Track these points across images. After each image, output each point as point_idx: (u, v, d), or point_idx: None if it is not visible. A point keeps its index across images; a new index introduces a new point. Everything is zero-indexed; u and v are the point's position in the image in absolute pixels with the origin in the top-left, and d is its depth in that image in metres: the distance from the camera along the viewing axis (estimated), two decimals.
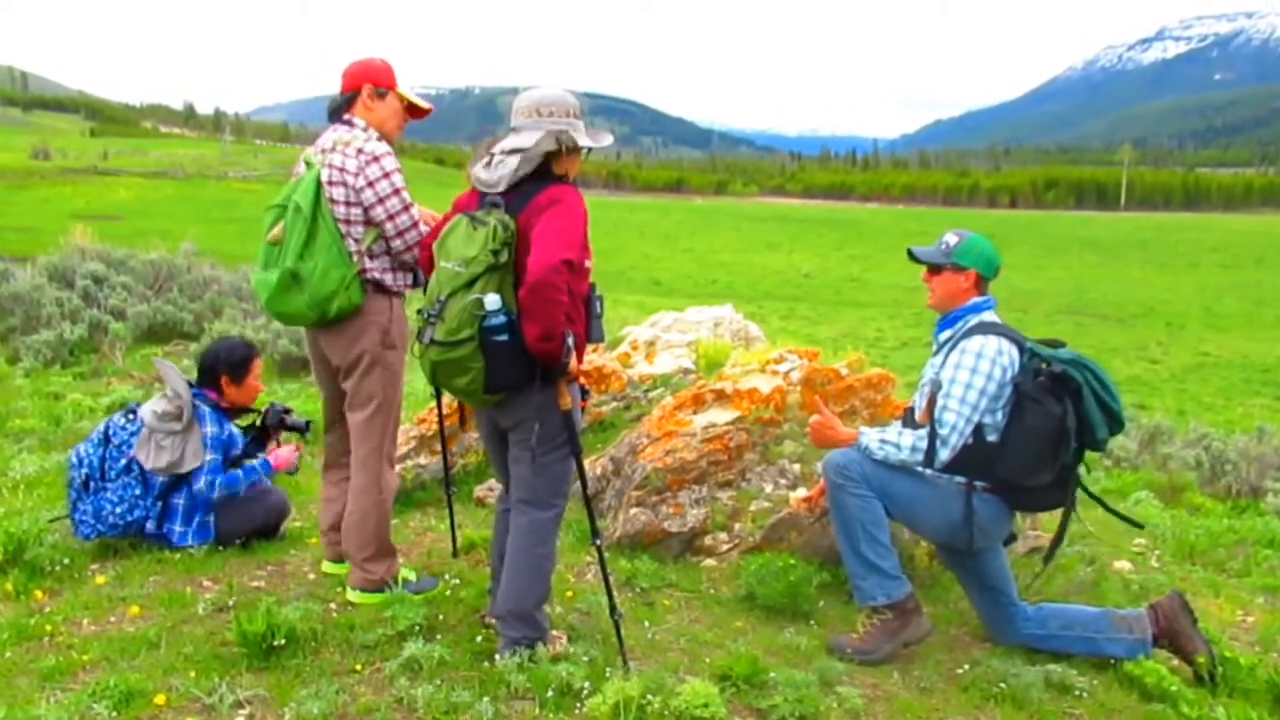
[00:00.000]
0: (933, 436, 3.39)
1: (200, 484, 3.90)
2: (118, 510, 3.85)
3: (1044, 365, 3.42)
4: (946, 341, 3.57)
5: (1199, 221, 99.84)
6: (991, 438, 3.42)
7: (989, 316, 3.55)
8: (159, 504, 3.92)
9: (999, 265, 3.63)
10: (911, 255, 3.71)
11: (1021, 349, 3.46)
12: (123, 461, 3.90)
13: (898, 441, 3.45)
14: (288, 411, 4.35)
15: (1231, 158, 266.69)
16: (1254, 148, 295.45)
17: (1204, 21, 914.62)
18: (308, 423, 4.36)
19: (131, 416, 4.02)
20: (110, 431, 3.98)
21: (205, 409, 3.99)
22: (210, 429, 3.95)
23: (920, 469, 3.49)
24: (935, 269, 3.60)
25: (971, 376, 3.37)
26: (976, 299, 3.58)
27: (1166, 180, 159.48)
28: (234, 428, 4.10)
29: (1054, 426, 3.33)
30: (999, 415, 3.42)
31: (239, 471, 4.03)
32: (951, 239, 3.62)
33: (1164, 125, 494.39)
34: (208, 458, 3.91)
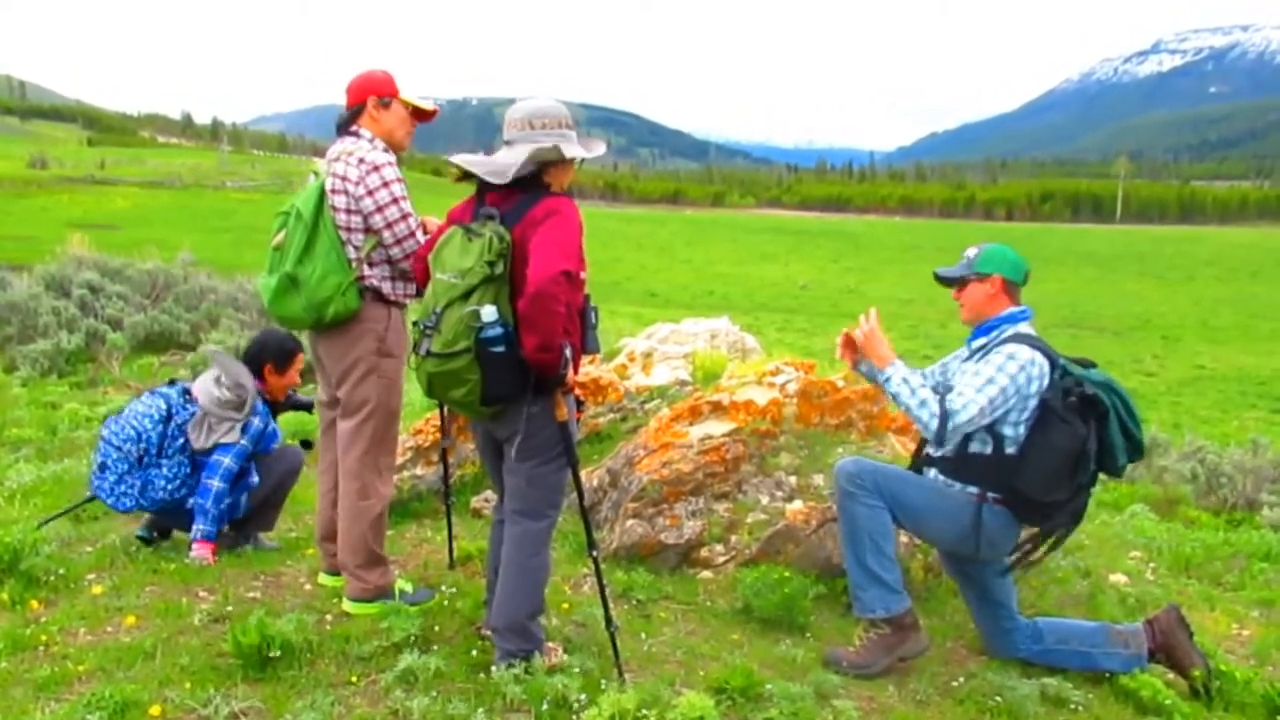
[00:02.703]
0: (943, 410, 3.30)
1: (222, 458, 3.95)
2: (167, 486, 3.93)
3: (1075, 385, 3.40)
4: (980, 349, 3.55)
5: (1194, 234, 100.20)
6: (1010, 450, 3.41)
7: (1025, 328, 3.52)
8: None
9: (1026, 269, 3.60)
10: (938, 278, 3.69)
11: (1054, 365, 3.44)
12: (180, 440, 3.99)
13: (916, 389, 3.35)
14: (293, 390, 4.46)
15: (1227, 171, 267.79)
16: (1249, 161, 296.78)
17: (1199, 35, 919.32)
18: (312, 401, 4.47)
19: (189, 396, 4.07)
20: (172, 410, 4.04)
21: (259, 403, 4.08)
22: (258, 421, 4.05)
23: (929, 474, 3.50)
24: (961, 284, 3.60)
25: (996, 373, 3.34)
26: (1012, 309, 3.55)
27: (1162, 193, 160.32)
28: (274, 422, 4.20)
29: (1077, 447, 3.32)
30: (1020, 429, 3.40)
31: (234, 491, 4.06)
32: (971, 252, 3.63)
33: (1160, 138, 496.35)
34: (241, 441, 3.99)
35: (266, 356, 4.16)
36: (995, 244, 3.63)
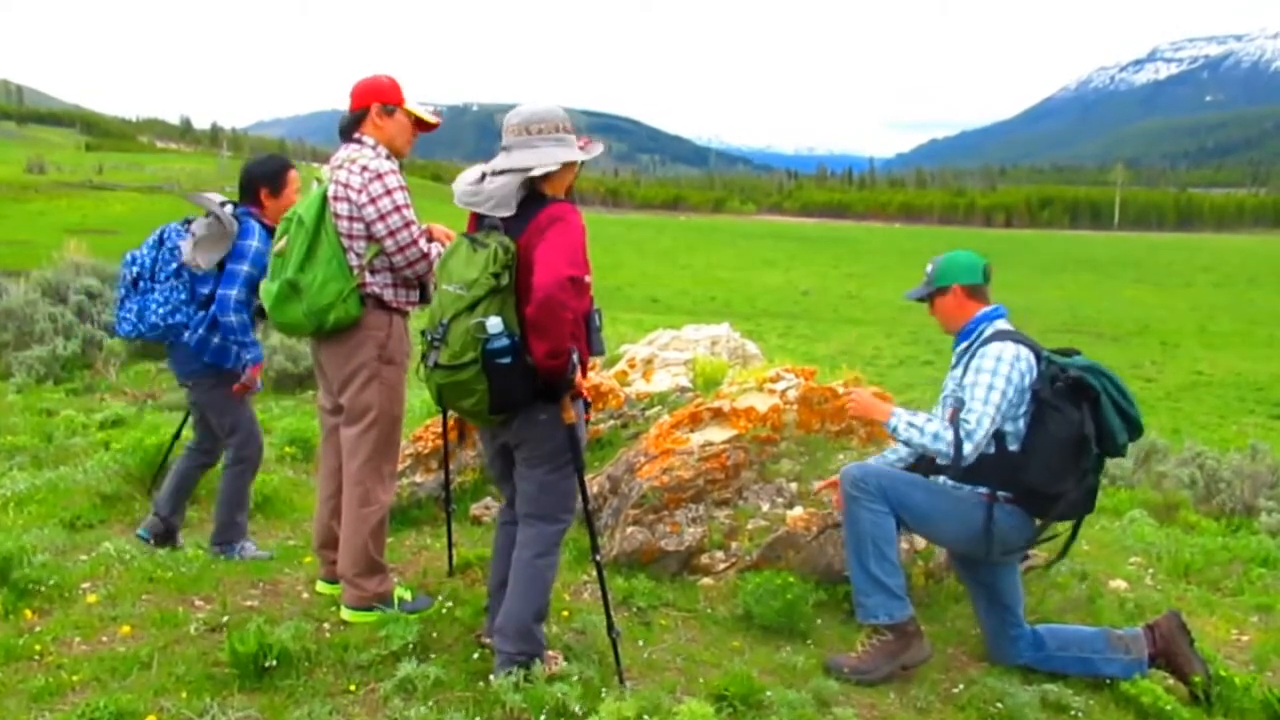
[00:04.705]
0: (957, 435, 3.35)
1: (228, 290, 3.94)
2: (160, 311, 4.00)
3: (1060, 372, 3.43)
4: (964, 353, 3.58)
5: (1192, 241, 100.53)
6: (1013, 447, 3.43)
7: (1002, 324, 3.57)
8: (201, 313, 4.03)
9: (981, 265, 3.63)
10: (909, 300, 3.78)
11: (1038, 356, 3.48)
12: (173, 265, 4.05)
13: (923, 426, 3.40)
14: None
15: (1223, 178, 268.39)
16: (1245, 168, 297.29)
17: (1194, 44, 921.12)
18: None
19: (187, 225, 4.10)
20: (165, 235, 4.10)
21: (253, 223, 4.06)
22: (254, 243, 4.00)
23: (937, 479, 3.51)
24: (930, 301, 3.67)
25: (992, 378, 3.37)
26: (985, 309, 3.60)
27: (1159, 200, 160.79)
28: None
29: (1074, 433, 3.35)
30: (1020, 424, 3.43)
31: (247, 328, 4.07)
32: (928, 269, 3.70)
33: (1156, 145, 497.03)
34: (244, 269, 3.97)
35: (259, 182, 4.14)
36: (949, 253, 3.69)
